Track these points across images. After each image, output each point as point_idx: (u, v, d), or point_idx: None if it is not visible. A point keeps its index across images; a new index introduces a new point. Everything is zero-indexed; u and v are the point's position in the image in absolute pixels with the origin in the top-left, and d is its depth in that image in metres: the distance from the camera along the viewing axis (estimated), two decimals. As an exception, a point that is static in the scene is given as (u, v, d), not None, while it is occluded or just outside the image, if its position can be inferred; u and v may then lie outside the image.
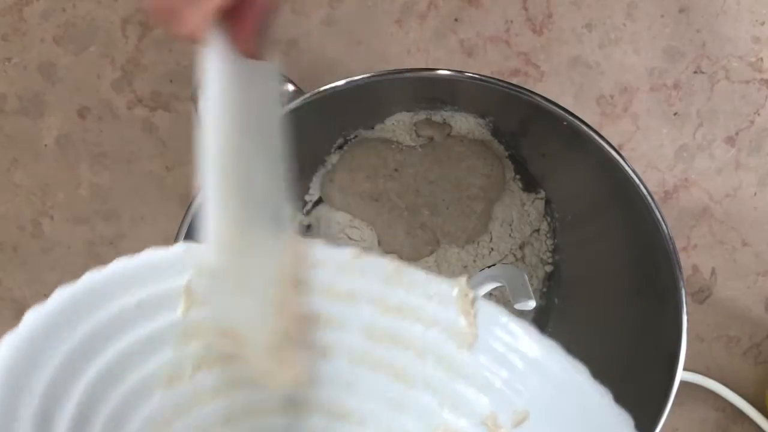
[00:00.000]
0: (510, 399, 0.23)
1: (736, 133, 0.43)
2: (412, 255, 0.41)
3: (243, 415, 0.23)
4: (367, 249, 0.27)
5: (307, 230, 0.42)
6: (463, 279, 0.24)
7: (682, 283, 0.32)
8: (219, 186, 0.22)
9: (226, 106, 0.23)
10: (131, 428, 0.20)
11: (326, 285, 0.23)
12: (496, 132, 0.41)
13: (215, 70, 0.23)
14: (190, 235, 0.33)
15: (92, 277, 0.20)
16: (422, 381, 0.23)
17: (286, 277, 0.23)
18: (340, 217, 0.41)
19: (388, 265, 0.24)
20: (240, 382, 0.22)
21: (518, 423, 0.23)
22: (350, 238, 0.41)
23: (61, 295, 0.19)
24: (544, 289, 0.42)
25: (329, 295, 0.23)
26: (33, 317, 0.18)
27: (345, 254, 0.24)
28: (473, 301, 0.23)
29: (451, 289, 0.23)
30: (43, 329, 0.18)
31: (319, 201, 0.42)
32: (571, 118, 0.32)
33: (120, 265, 0.20)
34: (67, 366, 0.18)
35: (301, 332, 0.23)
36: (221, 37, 0.22)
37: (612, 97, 0.43)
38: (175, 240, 0.33)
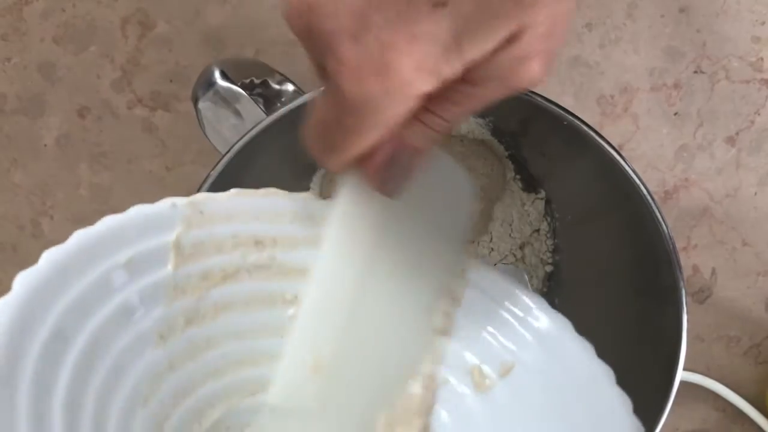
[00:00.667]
0: (497, 351, 0.23)
1: (737, 133, 0.43)
2: (412, 255, 0.41)
3: (236, 365, 0.23)
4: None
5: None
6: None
7: (682, 283, 0.32)
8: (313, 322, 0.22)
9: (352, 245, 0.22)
10: (129, 381, 0.20)
11: None
12: (496, 132, 0.41)
13: (347, 206, 0.22)
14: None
15: (80, 236, 0.20)
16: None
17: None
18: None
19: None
20: (232, 333, 0.22)
21: (505, 373, 0.23)
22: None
23: (51, 256, 0.19)
24: (544, 290, 0.42)
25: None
26: (23, 281, 0.18)
27: None
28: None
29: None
30: (35, 293, 0.18)
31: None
32: (571, 118, 0.32)
33: (108, 222, 0.20)
34: (59, 332, 0.18)
35: None
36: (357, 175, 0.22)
37: (612, 97, 0.43)
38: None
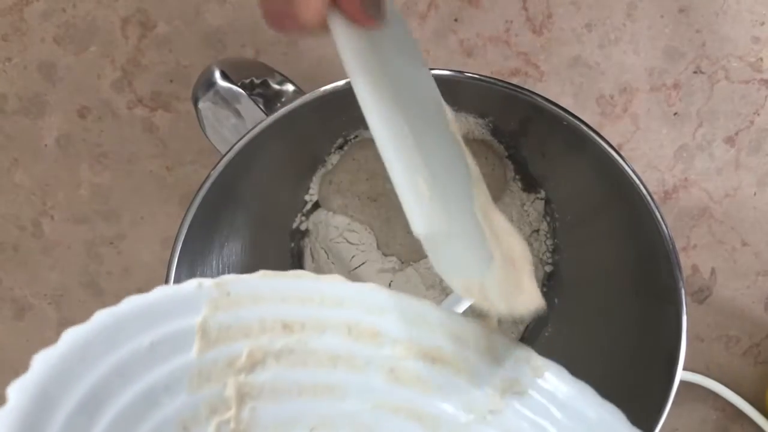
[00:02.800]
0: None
1: (736, 133, 0.43)
2: (411, 256, 0.41)
3: None
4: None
5: (305, 235, 0.42)
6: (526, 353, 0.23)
7: (682, 283, 0.32)
8: (402, 163, 0.22)
9: (375, 85, 0.22)
10: None
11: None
12: (496, 132, 0.41)
13: (348, 52, 0.22)
14: (190, 235, 0.33)
15: (102, 316, 0.19)
16: (446, 426, 0.22)
17: (485, 210, 0.23)
18: (338, 221, 0.41)
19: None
20: (260, 425, 0.21)
21: None
22: (349, 242, 0.41)
23: (72, 337, 0.18)
24: (544, 290, 0.42)
25: (352, 335, 0.22)
26: (42, 361, 0.17)
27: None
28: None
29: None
30: (53, 375, 0.17)
31: (316, 206, 0.42)
32: (571, 118, 0.32)
33: (131, 303, 0.19)
34: (78, 416, 0.18)
35: (516, 256, 0.23)
36: (338, 17, 0.22)
37: (612, 97, 0.43)
38: (175, 240, 0.33)
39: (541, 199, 0.41)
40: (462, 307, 0.31)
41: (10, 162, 0.43)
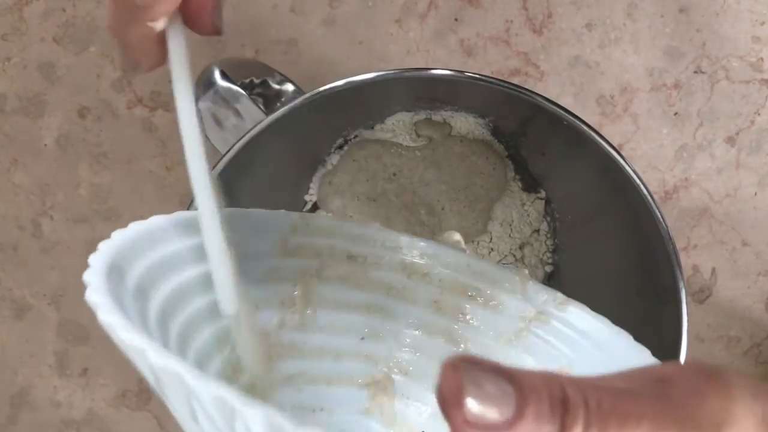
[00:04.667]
0: (553, 356, 0.26)
1: (737, 133, 0.43)
2: (412, 255, 0.41)
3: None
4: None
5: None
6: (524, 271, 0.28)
7: (682, 283, 0.32)
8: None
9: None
10: (195, 346, 0.22)
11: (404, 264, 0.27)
12: (496, 132, 0.41)
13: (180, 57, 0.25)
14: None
15: (184, 214, 0.23)
16: (477, 347, 0.27)
17: None
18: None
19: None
20: (314, 325, 0.26)
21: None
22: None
23: (136, 226, 0.21)
24: (544, 289, 0.42)
25: (406, 272, 0.27)
26: (110, 244, 0.20)
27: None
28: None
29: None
30: (123, 250, 0.20)
31: (316, 207, 0.42)
32: (571, 118, 0.32)
33: (233, 210, 0.23)
34: (142, 286, 0.20)
35: None
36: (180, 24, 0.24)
37: (612, 97, 0.43)
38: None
39: (541, 199, 0.41)
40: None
41: (9, 162, 0.43)
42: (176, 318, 0.22)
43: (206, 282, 0.23)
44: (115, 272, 0.18)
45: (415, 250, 0.27)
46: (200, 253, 0.23)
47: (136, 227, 0.21)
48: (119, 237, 0.20)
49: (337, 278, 0.26)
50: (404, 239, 0.27)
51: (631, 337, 0.26)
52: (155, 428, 0.43)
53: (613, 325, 0.27)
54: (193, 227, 0.23)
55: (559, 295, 0.28)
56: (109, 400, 0.43)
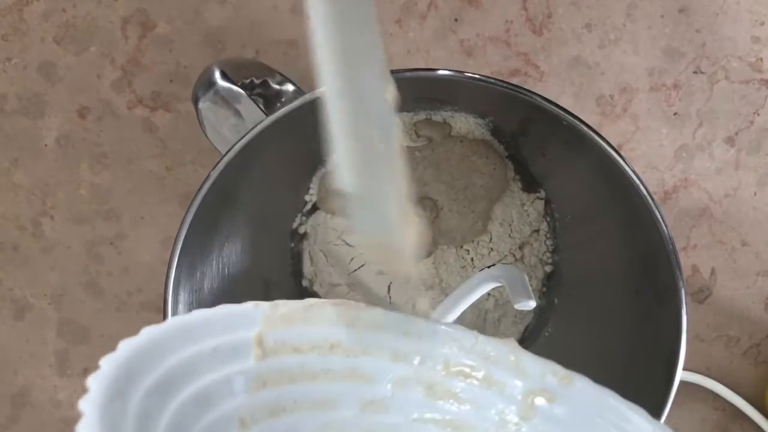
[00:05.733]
0: None
1: (736, 133, 0.43)
2: (412, 255, 0.41)
3: None
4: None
5: (303, 239, 0.42)
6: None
7: (682, 283, 0.32)
8: (338, 105, 0.24)
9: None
10: None
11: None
12: (496, 132, 0.41)
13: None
14: (190, 235, 0.33)
15: (175, 321, 0.21)
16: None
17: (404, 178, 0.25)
18: (337, 223, 0.41)
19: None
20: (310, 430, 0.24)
21: None
22: (348, 244, 0.41)
23: (149, 332, 0.21)
24: (544, 290, 0.42)
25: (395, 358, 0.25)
26: (126, 346, 0.20)
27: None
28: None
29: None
30: (136, 356, 0.20)
31: (316, 207, 0.42)
32: (571, 118, 0.32)
33: (199, 313, 0.22)
34: (153, 394, 0.20)
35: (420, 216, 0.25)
36: None
37: (612, 97, 0.43)
38: (175, 240, 0.33)
39: (541, 199, 0.41)
40: (456, 314, 0.32)
41: (10, 162, 0.43)
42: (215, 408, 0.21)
43: (211, 396, 0.22)
44: (117, 398, 0.18)
45: (397, 328, 0.25)
46: (206, 360, 0.22)
47: (127, 346, 0.20)
48: (116, 357, 0.19)
49: (323, 373, 0.24)
50: (385, 315, 0.25)
51: (644, 412, 0.24)
52: (155, 428, 0.43)
53: (622, 399, 0.25)
54: (190, 332, 0.22)
55: (558, 368, 0.25)
56: (109, 400, 0.43)
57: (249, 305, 0.23)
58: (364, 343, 0.24)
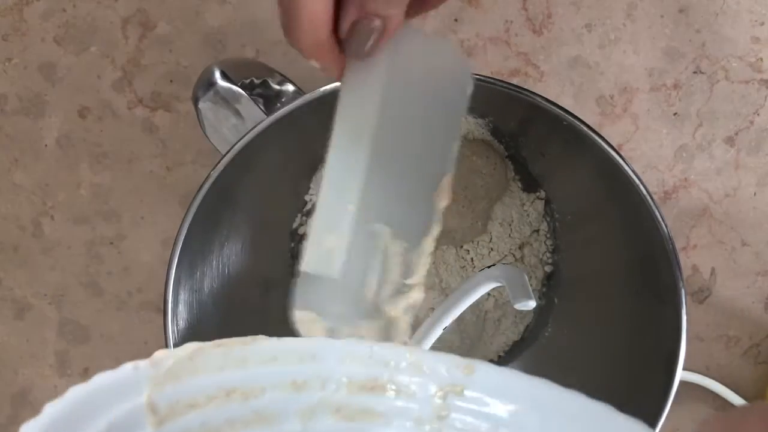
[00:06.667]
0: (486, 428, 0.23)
1: (736, 134, 0.43)
2: (412, 255, 0.41)
3: None
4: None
5: (303, 239, 0.42)
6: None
7: (682, 283, 0.32)
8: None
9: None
10: None
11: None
12: (495, 132, 0.41)
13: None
14: (190, 235, 0.33)
15: (52, 409, 0.19)
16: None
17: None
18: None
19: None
20: None
21: None
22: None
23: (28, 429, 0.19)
24: (544, 289, 0.42)
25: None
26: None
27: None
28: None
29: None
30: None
31: (314, 210, 0.42)
32: (571, 118, 0.32)
33: (76, 393, 0.20)
34: None
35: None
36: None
37: (612, 97, 0.43)
38: (175, 240, 0.33)
39: (541, 199, 0.41)
40: (456, 314, 0.32)
41: (10, 162, 0.43)
42: None
43: None
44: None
45: (290, 355, 0.24)
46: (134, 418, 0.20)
47: (74, 391, 0.19)
48: (53, 407, 0.18)
49: (228, 425, 0.23)
50: (273, 345, 0.23)
51: (553, 384, 0.23)
52: (155, 428, 0.43)
53: (529, 377, 0.24)
54: (79, 414, 0.20)
55: (458, 359, 0.24)
56: (109, 399, 0.43)
57: (128, 368, 0.21)
58: (260, 381, 0.23)
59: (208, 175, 0.33)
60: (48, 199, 0.43)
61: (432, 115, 0.26)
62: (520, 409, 0.23)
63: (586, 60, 0.43)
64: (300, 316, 0.25)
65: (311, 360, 0.23)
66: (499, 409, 0.23)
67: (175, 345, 0.33)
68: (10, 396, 0.43)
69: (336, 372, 0.23)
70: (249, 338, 0.23)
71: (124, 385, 0.21)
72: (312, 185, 0.42)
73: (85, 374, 0.43)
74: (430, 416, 0.23)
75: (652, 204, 0.32)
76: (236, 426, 0.22)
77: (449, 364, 0.24)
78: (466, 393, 0.23)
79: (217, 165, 0.33)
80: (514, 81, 0.43)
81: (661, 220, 0.32)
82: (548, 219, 0.42)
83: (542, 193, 0.41)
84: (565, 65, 0.43)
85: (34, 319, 0.43)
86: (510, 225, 0.42)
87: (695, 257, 0.44)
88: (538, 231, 0.42)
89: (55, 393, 0.43)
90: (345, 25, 0.23)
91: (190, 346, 0.22)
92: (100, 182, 0.43)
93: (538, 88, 0.43)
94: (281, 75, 0.37)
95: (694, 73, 0.43)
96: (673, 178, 0.43)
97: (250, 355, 0.22)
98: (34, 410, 0.45)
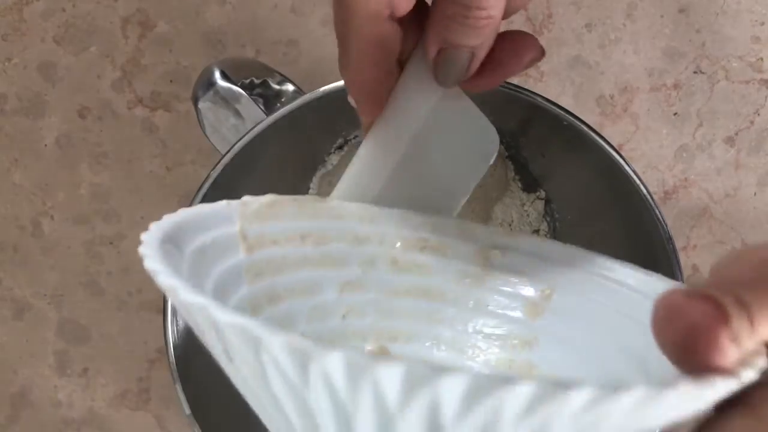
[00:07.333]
0: (529, 282, 0.27)
1: (736, 133, 0.43)
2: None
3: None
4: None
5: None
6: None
7: (682, 284, 0.32)
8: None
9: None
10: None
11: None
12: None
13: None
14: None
15: (169, 218, 0.22)
16: (450, 293, 0.27)
17: None
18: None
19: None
20: (304, 315, 0.26)
21: (546, 297, 0.26)
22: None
23: (170, 217, 0.21)
24: (544, 289, 0.42)
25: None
26: (161, 224, 0.20)
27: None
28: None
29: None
30: (173, 230, 0.21)
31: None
32: (571, 118, 0.32)
33: (187, 211, 0.23)
34: (194, 258, 0.21)
35: None
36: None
37: (612, 97, 0.43)
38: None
39: (541, 199, 0.41)
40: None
41: (10, 162, 0.43)
42: (230, 298, 0.22)
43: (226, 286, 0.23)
44: (170, 244, 0.19)
45: (353, 215, 0.27)
46: (211, 250, 0.23)
47: (184, 212, 0.22)
48: (169, 218, 0.21)
49: (303, 261, 0.26)
50: (341, 206, 0.27)
51: (579, 249, 0.27)
52: (155, 428, 0.43)
53: (564, 245, 0.27)
54: (216, 218, 0.23)
55: (501, 230, 0.28)
56: (109, 400, 0.43)
57: (222, 203, 0.24)
58: (328, 231, 0.26)
59: (208, 175, 0.33)
60: (48, 199, 0.43)
61: (453, 170, 0.27)
62: (559, 271, 0.26)
63: (586, 60, 0.43)
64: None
65: (371, 222, 0.27)
66: (538, 267, 0.27)
67: (175, 345, 0.33)
68: (9, 396, 0.43)
69: (392, 233, 0.27)
70: (319, 197, 0.26)
71: (221, 214, 0.24)
72: (312, 185, 0.42)
73: (85, 374, 0.43)
74: (475, 268, 0.27)
75: (652, 204, 0.32)
76: (308, 264, 0.26)
77: (492, 232, 0.27)
78: (509, 252, 0.27)
79: (217, 165, 0.33)
80: (514, 81, 0.43)
81: (661, 220, 0.32)
82: (548, 219, 0.42)
83: (542, 193, 0.41)
84: (565, 65, 0.43)
85: (33, 319, 0.43)
86: (510, 225, 0.42)
87: (695, 257, 0.44)
88: (538, 231, 0.42)
89: (55, 393, 0.43)
90: (432, 51, 0.23)
91: (270, 197, 0.25)
92: (99, 182, 0.43)
93: (539, 88, 0.43)
94: (281, 75, 0.37)
95: (695, 73, 0.43)
96: (673, 178, 0.43)
97: (319, 211, 0.26)
98: (34, 410, 0.45)
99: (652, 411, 0.14)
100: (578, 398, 0.13)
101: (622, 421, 0.14)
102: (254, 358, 0.15)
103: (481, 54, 0.23)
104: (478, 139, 0.28)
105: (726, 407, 0.15)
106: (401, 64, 0.25)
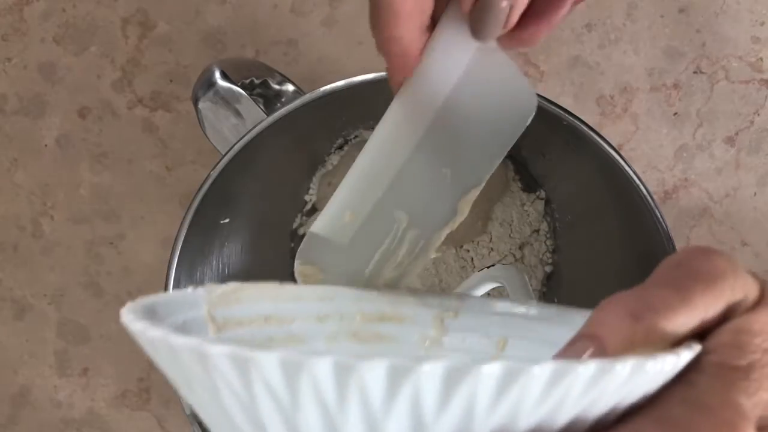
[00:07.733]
0: (490, 337, 0.28)
1: (736, 133, 0.43)
2: (412, 255, 0.41)
3: None
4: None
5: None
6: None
7: (681, 283, 0.32)
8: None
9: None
10: None
11: None
12: (496, 132, 0.41)
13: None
14: (190, 235, 0.33)
15: (144, 300, 0.22)
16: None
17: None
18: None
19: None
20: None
21: (501, 347, 0.28)
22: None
23: (152, 298, 0.22)
24: (544, 290, 0.42)
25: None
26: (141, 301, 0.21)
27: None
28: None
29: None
30: (152, 307, 0.22)
31: (314, 210, 0.42)
32: (571, 118, 0.32)
33: (158, 296, 0.23)
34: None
35: None
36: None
37: (612, 97, 0.43)
38: (175, 240, 0.33)
39: (541, 199, 0.41)
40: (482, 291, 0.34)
41: (10, 162, 0.43)
42: None
43: None
44: (147, 319, 0.20)
45: (312, 296, 0.29)
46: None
47: (155, 297, 0.22)
48: (143, 300, 0.21)
49: (268, 341, 0.27)
50: (299, 288, 0.28)
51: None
52: (155, 428, 0.43)
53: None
54: (184, 303, 0.24)
55: (452, 294, 0.29)
56: (109, 400, 0.43)
57: (188, 290, 0.25)
58: (290, 313, 0.27)
59: (208, 175, 0.33)
60: (48, 199, 0.43)
61: (487, 130, 0.26)
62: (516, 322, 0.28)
63: (586, 60, 0.43)
64: (302, 269, 0.28)
65: (330, 300, 0.28)
66: (489, 322, 0.28)
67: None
68: (9, 396, 0.43)
69: (351, 309, 0.28)
70: (278, 283, 0.27)
71: (189, 299, 0.25)
72: (312, 185, 0.42)
73: (85, 374, 0.43)
74: (433, 333, 0.28)
75: (652, 204, 0.32)
76: (275, 341, 0.27)
77: (444, 297, 0.29)
78: (459, 316, 0.28)
79: (217, 165, 0.33)
80: (514, 81, 0.43)
81: (661, 220, 0.32)
82: (548, 219, 0.42)
83: (542, 193, 0.41)
84: (565, 65, 0.43)
85: (33, 319, 0.43)
86: (510, 225, 0.42)
87: (695, 257, 0.44)
88: (538, 231, 0.42)
89: (55, 393, 0.43)
90: (467, 1, 0.22)
91: (232, 284, 0.26)
92: (99, 182, 0.43)
93: (539, 88, 0.43)
94: (281, 75, 0.37)
95: (694, 73, 0.43)
96: (673, 178, 0.43)
97: (280, 294, 0.27)
98: (34, 410, 0.45)
99: (608, 385, 0.15)
100: (542, 373, 0.14)
101: (582, 398, 0.15)
102: (242, 380, 0.16)
103: (521, 3, 0.22)
104: (515, 99, 0.26)
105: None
106: (434, 22, 0.23)
